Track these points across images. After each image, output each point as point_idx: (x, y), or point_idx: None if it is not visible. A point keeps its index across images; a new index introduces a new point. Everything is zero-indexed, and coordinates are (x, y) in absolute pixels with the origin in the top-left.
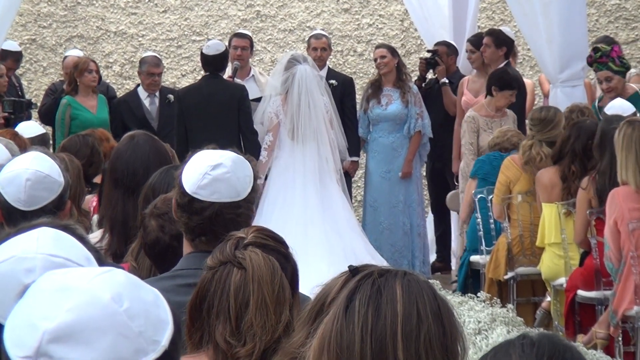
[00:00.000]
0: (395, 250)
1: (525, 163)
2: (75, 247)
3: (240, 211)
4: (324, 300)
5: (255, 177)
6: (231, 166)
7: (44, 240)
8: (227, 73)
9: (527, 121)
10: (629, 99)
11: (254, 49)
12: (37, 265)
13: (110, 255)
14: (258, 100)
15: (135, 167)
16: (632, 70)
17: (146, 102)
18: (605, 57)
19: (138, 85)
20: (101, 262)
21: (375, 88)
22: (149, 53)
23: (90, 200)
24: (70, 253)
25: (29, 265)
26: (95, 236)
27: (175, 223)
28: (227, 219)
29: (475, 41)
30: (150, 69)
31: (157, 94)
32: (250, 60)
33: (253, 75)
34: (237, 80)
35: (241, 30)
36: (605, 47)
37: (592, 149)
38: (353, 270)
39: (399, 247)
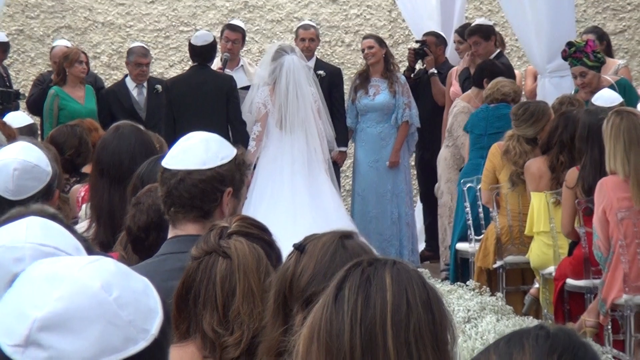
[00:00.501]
0: (384, 239)
1: (503, 153)
2: (65, 236)
3: (204, 179)
4: (284, 285)
5: (239, 162)
6: (203, 138)
7: (33, 230)
8: (217, 64)
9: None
10: None
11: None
12: (26, 255)
13: (97, 244)
14: (247, 88)
15: (121, 158)
16: (621, 62)
17: (134, 92)
18: (579, 52)
19: (126, 75)
20: (90, 252)
21: (363, 78)
22: (137, 43)
23: (79, 190)
24: (59, 242)
25: (18, 254)
26: (82, 226)
27: (144, 214)
28: (190, 184)
29: (463, 32)
30: (138, 59)
31: (145, 84)
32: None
33: (242, 66)
34: (227, 71)
35: (234, 22)
36: (579, 42)
37: (576, 141)
38: (298, 247)
39: (387, 236)
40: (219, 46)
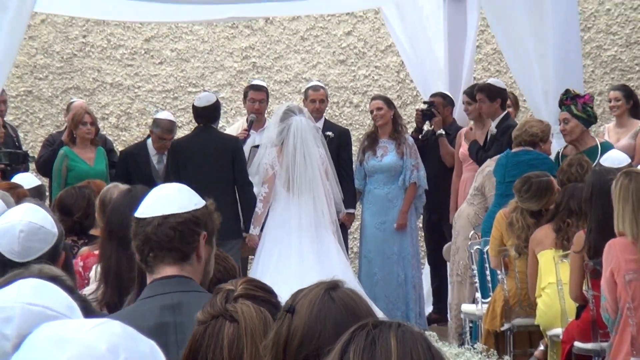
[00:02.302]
0: (390, 301)
1: (508, 225)
2: (58, 295)
3: (182, 221)
4: (279, 350)
5: (210, 210)
6: (175, 187)
7: (24, 290)
8: (242, 125)
9: None
10: (587, 151)
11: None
12: (15, 314)
13: (104, 305)
14: None
15: (130, 220)
16: None
17: (154, 159)
18: (570, 100)
19: (148, 136)
20: (89, 312)
21: (372, 140)
22: (164, 115)
23: (86, 253)
24: (49, 301)
25: (8, 314)
26: (91, 288)
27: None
28: (168, 227)
29: (472, 93)
30: (162, 135)
31: (166, 152)
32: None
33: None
34: (252, 132)
35: (256, 82)
36: (575, 91)
37: (582, 203)
38: (288, 309)
39: (393, 298)
40: (239, 104)
